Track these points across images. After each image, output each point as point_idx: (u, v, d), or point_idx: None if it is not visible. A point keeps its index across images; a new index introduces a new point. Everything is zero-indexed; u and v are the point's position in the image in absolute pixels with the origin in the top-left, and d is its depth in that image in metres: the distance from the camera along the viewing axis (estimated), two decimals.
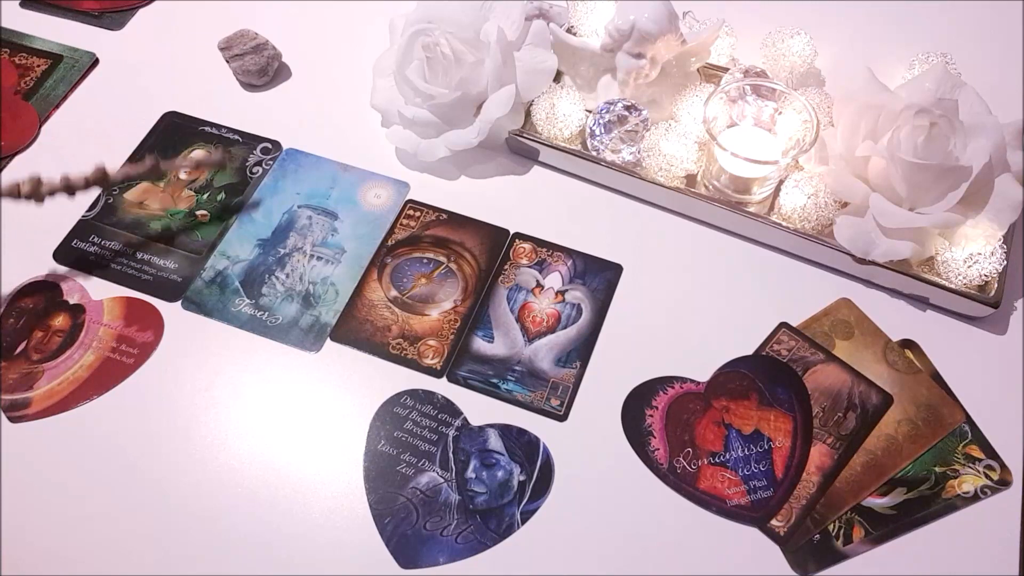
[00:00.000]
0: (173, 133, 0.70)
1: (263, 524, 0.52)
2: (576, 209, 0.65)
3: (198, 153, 0.65)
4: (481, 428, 0.55)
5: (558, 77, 0.68)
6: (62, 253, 0.64)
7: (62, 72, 0.74)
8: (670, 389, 0.57)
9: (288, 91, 0.73)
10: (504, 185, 0.67)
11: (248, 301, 0.61)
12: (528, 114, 0.66)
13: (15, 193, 0.59)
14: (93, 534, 0.52)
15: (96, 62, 0.75)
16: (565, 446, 0.55)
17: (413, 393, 0.57)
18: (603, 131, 0.63)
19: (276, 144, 0.69)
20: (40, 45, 0.76)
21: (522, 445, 0.55)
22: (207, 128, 0.70)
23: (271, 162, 0.68)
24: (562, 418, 0.56)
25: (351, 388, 0.57)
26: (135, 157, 0.68)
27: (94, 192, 0.65)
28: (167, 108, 0.71)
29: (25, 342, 0.60)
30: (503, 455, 0.54)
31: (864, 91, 0.60)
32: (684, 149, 0.62)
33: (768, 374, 0.57)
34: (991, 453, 0.54)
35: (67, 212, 0.65)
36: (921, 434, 0.55)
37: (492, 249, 0.63)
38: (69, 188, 0.60)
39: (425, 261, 0.63)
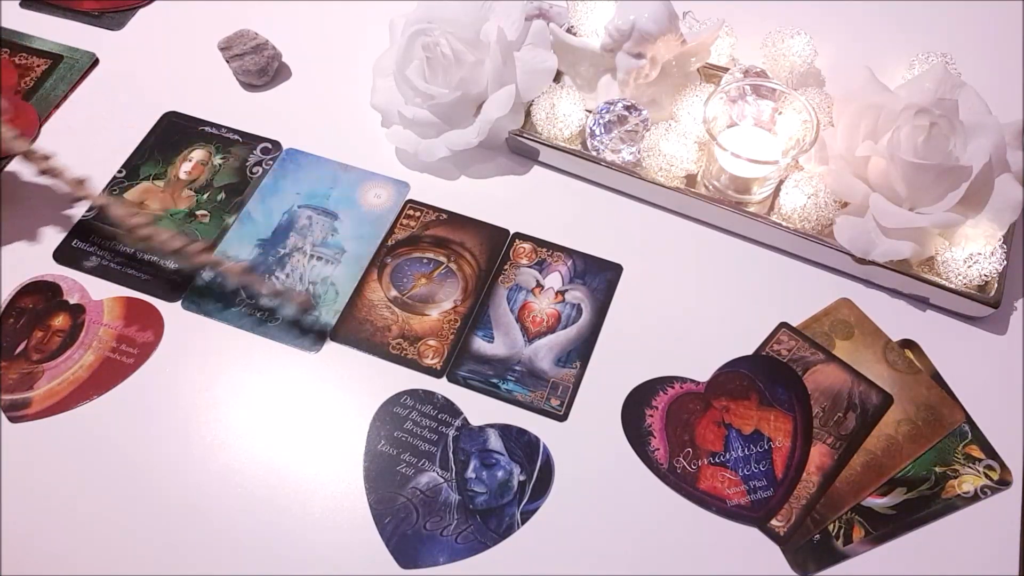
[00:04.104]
0: (173, 133, 0.70)
1: (263, 524, 0.52)
2: (576, 209, 0.65)
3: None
4: (481, 428, 0.55)
5: (558, 77, 0.68)
6: (62, 253, 0.64)
7: (62, 72, 0.74)
8: (670, 389, 0.57)
9: (288, 91, 0.73)
10: (504, 185, 0.67)
11: (248, 301, 0.61)
12: (528, 114, 0.66)
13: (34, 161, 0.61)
14: (93, 534, 0.52)
15: (96, 62, 0.75)
16: (565, 446, 0.55)
17: (413, 393, 0.57)
18: (603, 131, 0.63)
19: (276, 144, 0.69)
20: (40, 45, 0.76)
21: (522, 445, 0.55)
22: (207, 128, 0.70)
23: (271, 162, 0.68)
24: (562, 418, 0.56)
25: (351, 388, 0.57)
26: (136, 158, 0.68)
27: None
28: (167, 108, 0.71)
29: (25, 342, 0.60)
30: (503, 455, 0.54)
31: (864, 91, 0.60)
32: (684, 149, 0.62)
33: (768, 374, 0.57)
34: (991, 453, 0.54)
35: (67, 212, 0.65)
36: (921, 434, 0.55)
37: (492, 249, 0.63)
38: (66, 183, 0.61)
39: (425, 261, 0.63)
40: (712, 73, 0.68)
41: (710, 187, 0.63)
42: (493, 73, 0.63)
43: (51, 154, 0.61)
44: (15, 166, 0.68)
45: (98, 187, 0.66)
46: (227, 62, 0.72)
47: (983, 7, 0.76)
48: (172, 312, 0.61)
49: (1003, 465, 0.53)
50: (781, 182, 0.61)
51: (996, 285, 0.58)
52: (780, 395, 0.56)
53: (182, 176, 0.68)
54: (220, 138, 0.69)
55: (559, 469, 0.54)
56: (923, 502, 0.52)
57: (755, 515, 0.52)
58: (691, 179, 0.63)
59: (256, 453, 0.55)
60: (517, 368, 0.58)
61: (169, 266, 0.63)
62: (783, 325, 0.59)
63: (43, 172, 0.61)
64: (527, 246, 0.63)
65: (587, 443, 0.55)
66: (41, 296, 0.62)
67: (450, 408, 0.56)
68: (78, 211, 0.65)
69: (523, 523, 0.52)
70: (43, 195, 0.66)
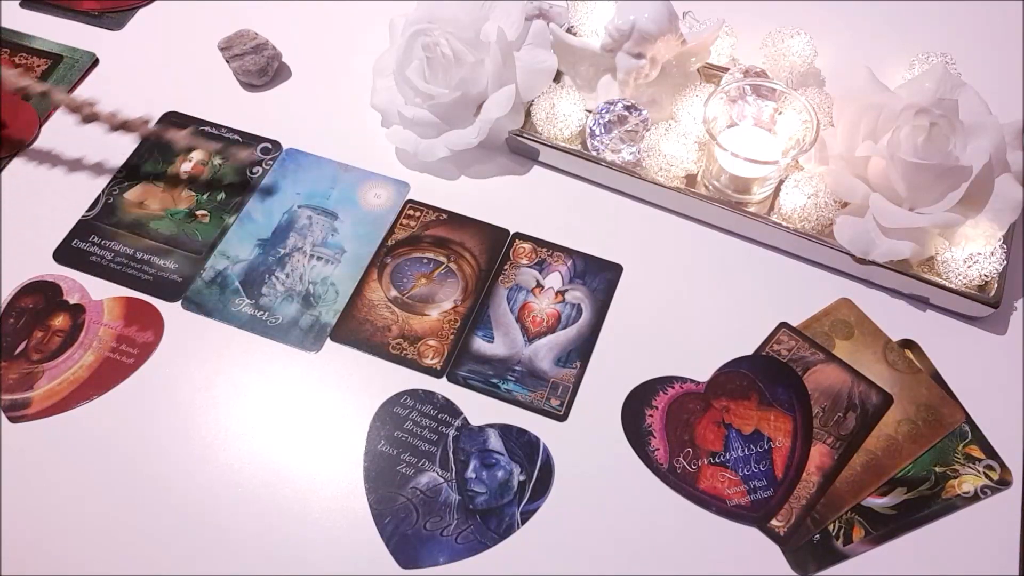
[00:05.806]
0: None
1: (263, 524, 0.52)
2: (576, 209, 0.65)
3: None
4: (481, 428, 0.55)
5: (558, 77, 0.68)
6: (62, 253, 0.64)
7: (62, 72, 0.74)
8: (670, 389, 0.57)
9: (288, 91, 0.73)
10: (504, 185, 0.67)
11: (248, 301, 0.61)
12: (528, 114, 0.66)
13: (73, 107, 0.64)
14: (93, 534, 0.52)
15: (96, 62, 0.75)
16: (565, 446, 0.55)
17: (413, 393, 0.57)
18: (603, 131, 0.63)
19: (276, 144, 0.69)
20: (40, 45, 0.76)
21: (522, 445, 0.55)
22: (207, 128, 0.70)
23: (271, 162, 0.68)
24: (562, 418, 0.56)
25: (351, 388, 0.57)
26: (136, 158, 0.68)
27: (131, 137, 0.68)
28: (167, 108, 0.71)
29: (25, 342, 0.60)
30: (503, 455, 0.54)
31: (864, 91, 0.60)
32: (684, 149, 0.62)
33: (768, 374, 0.57)
34: (991, 453, 0.54)
35: (67, 212, 0.65)
36: (921, 434, 0.55)
37: (492, 249, 0.63)
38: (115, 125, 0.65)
39: (425, 261, 0.63)
40: (712, 73, 0.68)
41: (710, 187, 0.63)
42: (493, 73, 0.63)
43: (94, 100, 0.64)
44: (18, 163, 0.68)
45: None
46: (227, 62, 0.72)
47: (983, 7, 0.76)
48: (172, 312, 0.61)
49: (1003, 465, 0.53)
50: (781, 182, 0.61)
51: (996, 285, 0.58)
52: (780, 395, 0.56)
53: (182, 176, 0.68)
54: (220, 138, 0.69)
55: (559, 469, 0.54)
56: (923, 502, 0.52)
57: (755, 515, 0.52)
58: (691, 179, 0.63)
59: (256, 453, 0.55)
60: (517, 368, 0.58)
61: (169, 266, 0.63)
62: (783, 325, 0.59)
63: (87, 119, 0.64)
64: (527, 246, 0.63)
65: (587, 443, 0.55)
66: (41, 296, 0.62)
67: (450, 408, 0.56)
68: (78, 210, 0.65)
69: (523, 523, 0.52)
70: (43, 195, 0.66)
